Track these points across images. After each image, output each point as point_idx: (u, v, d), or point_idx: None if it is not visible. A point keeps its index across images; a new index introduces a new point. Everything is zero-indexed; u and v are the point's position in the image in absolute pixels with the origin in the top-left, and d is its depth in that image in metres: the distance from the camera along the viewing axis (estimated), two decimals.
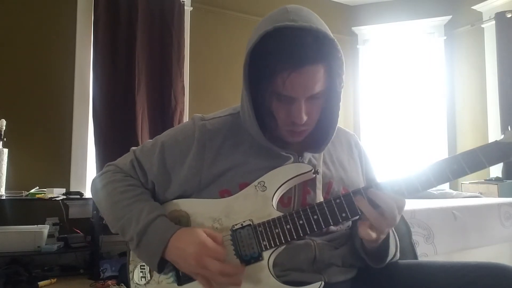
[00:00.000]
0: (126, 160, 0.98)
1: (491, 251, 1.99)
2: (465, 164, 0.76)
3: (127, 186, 0.92)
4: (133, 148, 1.01)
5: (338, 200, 0.82)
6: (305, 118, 0.84)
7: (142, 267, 0.89)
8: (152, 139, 1.01)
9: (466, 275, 0.83)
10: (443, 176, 0.77)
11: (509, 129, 0.76)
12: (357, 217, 0.84)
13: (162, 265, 0.84)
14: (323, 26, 0.82)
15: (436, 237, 1.77)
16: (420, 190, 0.79)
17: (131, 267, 0.91)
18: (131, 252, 0.92)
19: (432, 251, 1.75)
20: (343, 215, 0.81)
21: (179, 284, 0.85)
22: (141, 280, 0.89)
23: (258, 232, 0.83)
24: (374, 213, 0.78)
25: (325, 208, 0.81)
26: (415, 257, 1.20)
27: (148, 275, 0.88)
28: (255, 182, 0.86)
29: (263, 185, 0.86)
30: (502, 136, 0.76)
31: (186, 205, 0.90)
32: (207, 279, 0.79)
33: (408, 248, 1.20)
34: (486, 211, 2.04)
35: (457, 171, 0.76)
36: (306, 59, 0.79)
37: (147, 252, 0.84)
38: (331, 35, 0.82)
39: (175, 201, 0.92)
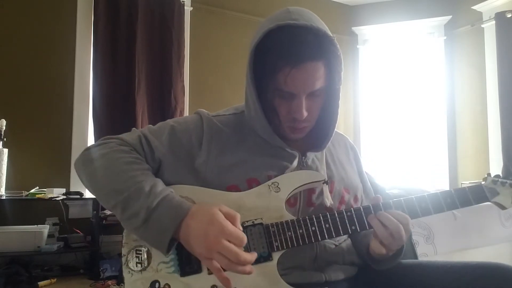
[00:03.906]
0: (132, 135, 0.92)
1: (491, 251, 1.99)
2: (457, 199, 0.88)
3: (135, 158, 0.86)
4: (135, 128, 0.96)
5: (349, 213, 0.85)
6: (305, 114, 0.86)
7: (138, 251, 0.81)
8: None
9: (466, 275, 0.83)
10: (439, 206, 0.88)
11: (486, 176, 0.91)
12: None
13: (171, 245, 0.77)
14: (323, 25, 0.85)
15: (436, 237, 1.77)
16: (420, 216, 0.88)
17: (124, 251, 0.82)
18: (125, 234, 0.84)
19: (432, 251, 1.75)
20: (353, 227, 0.85)
21: (182, 275, 0.80)
22: (137, 266, 0.80)
23: (271, 232, 0.83)
24: (385, 233, 0.81)
25: (337, 218, 0.84)
26: (415, 257, 1.20)
27: (145, 262, 0.81)
28: (269, 182, 0.87)
29: (277, 186, 0.86)
30: (483, 182, 0.91)
31: (195, 192, 0.86)
32: (218, 266, 0.73)
33: (408, 248, 1.20)
34: (486, 211, 2.04)
35: (450, 204, 0.88)
36: (307, 55, 0.81)
37: (158, 228, 0.76)
38: (330, 33, 0.84)
39: (183, 186, 0.87)
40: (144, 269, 0.80)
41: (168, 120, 0.97)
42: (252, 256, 0.73)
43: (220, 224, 0.72)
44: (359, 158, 1.12)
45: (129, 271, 0.81)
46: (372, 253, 0.89)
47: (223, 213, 0.75)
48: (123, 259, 0.82)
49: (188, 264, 0.79)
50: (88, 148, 0.90)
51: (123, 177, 0.81)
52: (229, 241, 0.71)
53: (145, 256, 0.81)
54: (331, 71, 0.87)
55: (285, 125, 0.90)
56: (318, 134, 0.97)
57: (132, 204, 0.78)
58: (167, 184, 0.87)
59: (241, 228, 0.76)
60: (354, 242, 1.00)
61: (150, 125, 0.96)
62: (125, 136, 0.92)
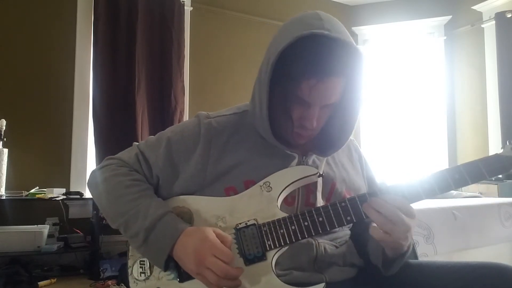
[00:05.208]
0: (130, 153, 0.96)
1: (491, 251, 1.99)
2: (467, 174, 0.80)
3: (133, 180, 0.90)
4: (136, 143, 0.99)
5: (343, 204, 0.82)
6: (315, 124, 0.87)
7: (141, 262, 0.87)
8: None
9: (466, 275, 0.83)
10: (446, 185, 0.80)
11: (508, 144, 0.79)
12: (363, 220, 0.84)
13: (168, 263, 0.82)
14: (350, 37, 0.84)
15: (436, 237, 1.76)
16: (423, 198, 0.81)
17: (130, 262, 0.89)
18: (130, 247, 0.90)
19: (432, 251, 1.74)
20: (348, 218, 0.82)
21: (181, 281, 0.84)
22: (141, 276, 0.87)
23: (263, 231, 0.83)
24: (382, 220, 0.77)
25: (330, 210, 0.82)
26: (415, 257, 1.20)
27: (148, 271, 0.86)
28: (261, 182, 0.87)
29: (269, 186, 0.86)
30: (502, 150, 0.80)
31: (189, 202, 0.90)
32: (209, 281, 0.77)
33: None
34: (486, 211, 2.03)
35: (459, 180, 0.79)
36: (334, 71, 0.81)
37: (155, 248, 0.82)
38: (358, 47, 0.83)
39: (178, 197, 0.91)
40: (147, 278, 0.87)
41: (167, 129, 0.99)
42: (238, 271, 0.76)
43: (210, 242, 0.77)
44: (366, 160, 1.10)
45: (134, 281, 0.88)
46: (388, 252, 0.85)
47: (216, 234, 0.79)
48: (129, 270, 0.89)
49: (185, 271, 0.82)
50: (94, 171, 0.96)
51: (122, 201, 0.87)
52: (218, 258, 0.75)
53: (148, 266, 0.87)
54: (352, 86, 0.87)
55: (294, 130, 0.90)
56: (323, 139, 0.97)
57: (131, 226, 0.84)
58: (167, 195, 0.92)
59: (230, 249, 0.79)
60: (369, 249, 0.97)
61: (150, 137, 0.99)
62: (124, 155, 0.96)
